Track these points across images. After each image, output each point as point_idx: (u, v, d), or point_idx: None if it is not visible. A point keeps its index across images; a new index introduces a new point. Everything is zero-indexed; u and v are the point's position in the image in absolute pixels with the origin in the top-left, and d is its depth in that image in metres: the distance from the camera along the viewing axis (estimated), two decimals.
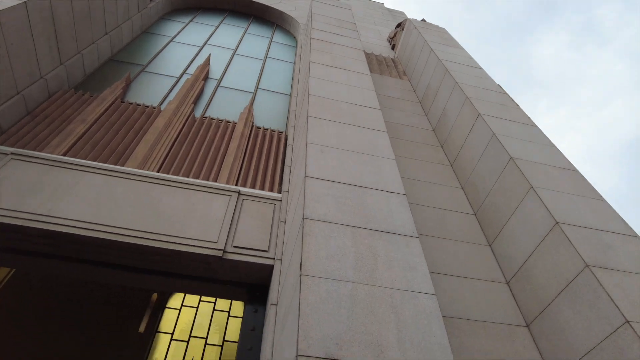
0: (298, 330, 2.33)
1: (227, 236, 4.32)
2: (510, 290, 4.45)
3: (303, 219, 3.09)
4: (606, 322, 3.35)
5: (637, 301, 3.42)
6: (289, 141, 6.00)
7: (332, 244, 2.94)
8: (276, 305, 3.69)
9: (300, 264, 2.73)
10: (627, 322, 3.19)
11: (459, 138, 6.18)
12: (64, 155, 5.07)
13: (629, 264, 3.80)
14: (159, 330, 12.91)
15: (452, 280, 4.36)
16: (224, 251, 4.18)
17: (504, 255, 4.67)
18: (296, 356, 2.20)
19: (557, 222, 3.99)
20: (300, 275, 2.65)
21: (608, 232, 4.12)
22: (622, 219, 4.46)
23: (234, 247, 4.26)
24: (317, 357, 2.21)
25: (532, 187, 4.42)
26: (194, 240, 4.21)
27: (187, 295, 14.10)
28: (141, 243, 4.08)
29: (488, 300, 4.27)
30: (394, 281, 2.79)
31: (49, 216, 4.10)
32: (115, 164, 5.20)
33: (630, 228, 4.35)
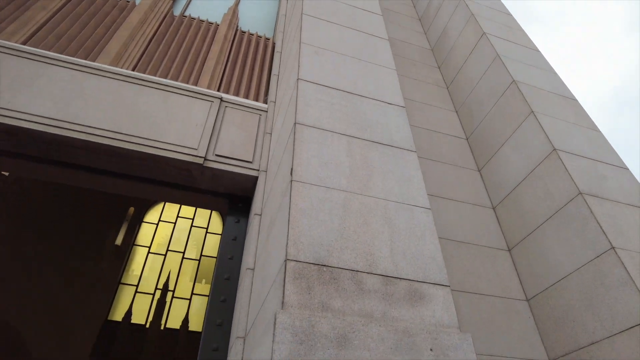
0: (287, 236, 2.17)
1: (209, 144, 4.04)
2: (496, 215, 4.43)
3: (295, 124, 2.82)
4: (591, 248, 3.36)
5: (624, 230, 3.42)
6: (277, 48, 5.52)
7: (325, 152, 2.71)
8: (260, 215, 3.54)
9: (292, 169, 2.51)
10: (613, 248, 3.20)
11: (459, 58, 5.81)
12: (22, 44, 4.49)
13: (619, 194, 3.77)
14: (136, 243, 12.86)
15: (439, 202, 4.29)
16: (205, 159, 3.92)
17: (493, 180, 4.59)
18: (285, 260, 2.06)
19: (554, 149, 3.85)
20: (291, 181, 2.45)
21: (602, 163, 4.04)
22: (615, 151, 4.37)
23: (216, 155, 4.00)
24: (306, 262, 2.08)
25: (532, 111, 4.22)
26: (173, 146, 3.91)
27: (164, 210, 13.91)
28: (115, 145, 3.75)
29: (473, 224, 4.25)
30: (388, 193, 2.62)
31: (9, 110, 3.69)
32: (85, 60, 4.67)
33: (622, 161, 4.28)
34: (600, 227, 3.31)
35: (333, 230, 2.29)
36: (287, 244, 2.14)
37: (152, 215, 12.12)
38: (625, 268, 3.08)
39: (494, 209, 4.48)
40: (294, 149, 2.65)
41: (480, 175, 4.78)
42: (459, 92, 5.64)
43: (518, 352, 3.44)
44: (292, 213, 2.27)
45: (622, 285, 3.07)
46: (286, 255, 2.08)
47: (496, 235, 4.26)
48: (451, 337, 2.06)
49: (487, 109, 4.88)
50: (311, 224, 2.27)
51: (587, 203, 3.46)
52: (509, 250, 4.18)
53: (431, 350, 1.97)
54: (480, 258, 3.97)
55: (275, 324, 1.79)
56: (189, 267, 11.41)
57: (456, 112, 5.57)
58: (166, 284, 10.92)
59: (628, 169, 4.17)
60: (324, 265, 2.11)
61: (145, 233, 11.59)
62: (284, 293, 1.95)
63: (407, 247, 2.36)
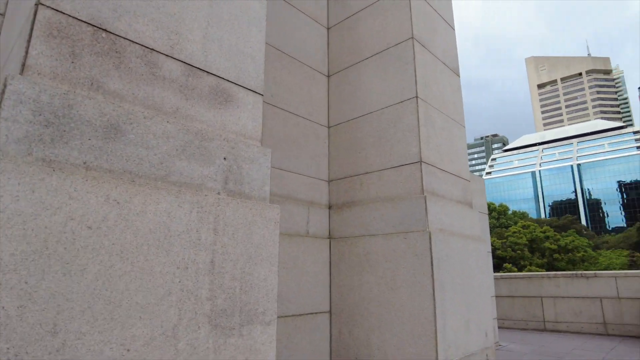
0: None
1: None
2: (328, 37, 4.20)
3: None
4: (400, 92, 3.54)
5: (430, 84, 3.67)
6: None
7: None
8: None
9: None
10: (417, 97, 3.43)
11: None
12: None
13: (439, 50, 3.95)
14: None
15: (274, 2, 3.73)
16: None
17: None
18: (37, 4, 1.34)
19: None
20: None
21: (440, 17, 4.08)
22: (451, 9, 4.45)
23: None
24: (75, 18, 1.41)
25: None
26: None
27: None
28: None
29: (303, 38, 3.94)
30: None
31: None
32: None
33: (453, 20, 4.42)
34: (415, 75, 3.46)
35: None
36: None
37: None
38: (418, 117, 3.40)
39: (328, 29, 4.21)
40: None
41: None
42: None
43: (306, 171, 3.69)
44: None
45: (409, 130, 3.42)
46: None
47: (322, 57, 4.10)
48: (250, 149, 1.87)
49: None
50: None
51: (414, 49, 3.50)
52: (329, 76, 4.14)
53: (224, 159, 1.75)
54: (299, 76, 3.81)
55: (4, 92, 1.20)
56: None
57: None
58: None
59: (454, 30, 4.36)
60: (105, 30, 1.49)
61: None
62: (27, 52, 1.31)
63: (227, 37, 1.89)
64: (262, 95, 2.03)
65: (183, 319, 1.41)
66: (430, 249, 3.02)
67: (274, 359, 1.70)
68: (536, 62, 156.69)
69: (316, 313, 3.42)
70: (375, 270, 3.29)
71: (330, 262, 3.60)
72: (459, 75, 4.25)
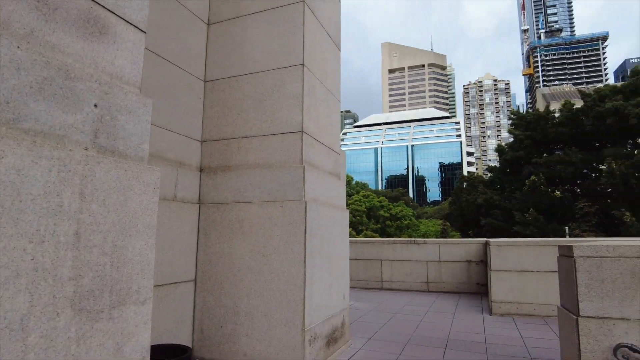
0: None
1: None
2: None
3: None
4: (286, 56, 3.41)
5: (316, 54, 3.63)
6: None
7: None
8: None
9: None
10: (303, 64, 3.35)
11: None
12: None
13: (325, 18, 3.91)
14: None
15: None
16: None
17: None
18: None
19: None
20: None
21: None
22: None
23: None
24: None
25: None
26: None
27: None
28: None
29: None
30: None
31: None
32: None
33: None
34: (303, 41, 3.37)
35: None
36: None
37: None
38: (303, 85, 3.33)
39: None
40: None
41: None
42: None
43: (177, 128, 3.31)
44: None
45: (294, 98, 3.34)
46: None
47: (203, 4, 3.67)
48: (128, 98, 1.55)
49: None
50: None
51: (304, 13, 3.38)
52: (209, 24, 3.74)
53: (95, 106, 1.41)
54: (177, 20, 3.34)
55: None
56: None
57: None
58: None
59: (339, 1, 4.37)
60: None
61: None
62: None
63: None
64: (145, 33, 1.69)
65: (36, 306, 1.11)
66: (305, 218, 3.06)
67: (148, 340, 1.50)
68: (390, 48, 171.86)
69: (179, 282, 3.18)
70: (248, 237, 3.20)
71: (198, 228, 3.36)
72: (339, 49, 4.31)
